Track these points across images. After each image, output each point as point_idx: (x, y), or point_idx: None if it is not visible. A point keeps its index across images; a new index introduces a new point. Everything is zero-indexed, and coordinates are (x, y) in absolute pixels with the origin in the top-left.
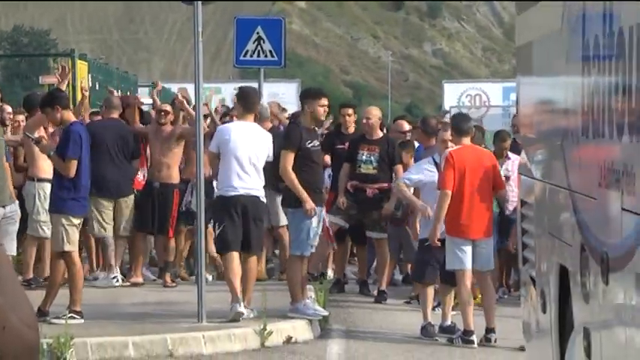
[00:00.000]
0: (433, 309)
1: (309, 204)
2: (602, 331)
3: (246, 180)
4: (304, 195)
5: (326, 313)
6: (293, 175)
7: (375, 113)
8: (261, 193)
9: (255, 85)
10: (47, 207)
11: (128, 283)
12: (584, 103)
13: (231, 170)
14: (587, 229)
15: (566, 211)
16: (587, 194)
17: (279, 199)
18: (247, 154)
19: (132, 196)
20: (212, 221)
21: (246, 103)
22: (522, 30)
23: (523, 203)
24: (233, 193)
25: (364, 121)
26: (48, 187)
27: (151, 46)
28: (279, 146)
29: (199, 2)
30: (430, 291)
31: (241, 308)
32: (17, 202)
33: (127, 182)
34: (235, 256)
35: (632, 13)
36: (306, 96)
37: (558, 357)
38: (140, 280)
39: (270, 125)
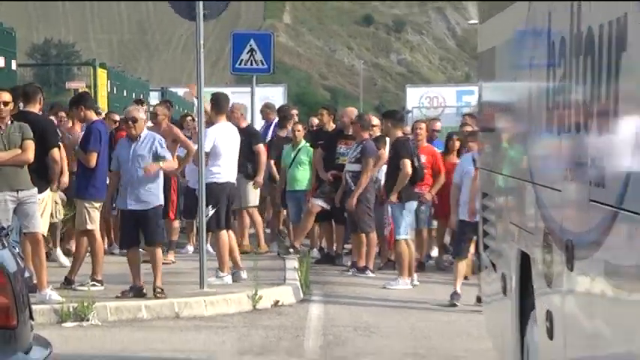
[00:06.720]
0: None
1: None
2: (564, 313)
3: (232, 170)
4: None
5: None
6: None
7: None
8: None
9: (248, 89)
10: None
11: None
12: (548, 99)
13: (222, 162)
14: (552, 219)
15: (529, 203)
16: (552, 187)
17: (249, 184)
18: (230, 149)
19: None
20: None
21: (218, 106)
22: (485, 36)
23: (484, 195)
24: (225, 180)
25: (343, 119)
26: None
27: (161, 56)
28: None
29: (201, 19)
30: (462, 266)
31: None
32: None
33: None
34: (225, 232)
35: (596, 15)
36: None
37: (518, 335)
38: (172, 259)
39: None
